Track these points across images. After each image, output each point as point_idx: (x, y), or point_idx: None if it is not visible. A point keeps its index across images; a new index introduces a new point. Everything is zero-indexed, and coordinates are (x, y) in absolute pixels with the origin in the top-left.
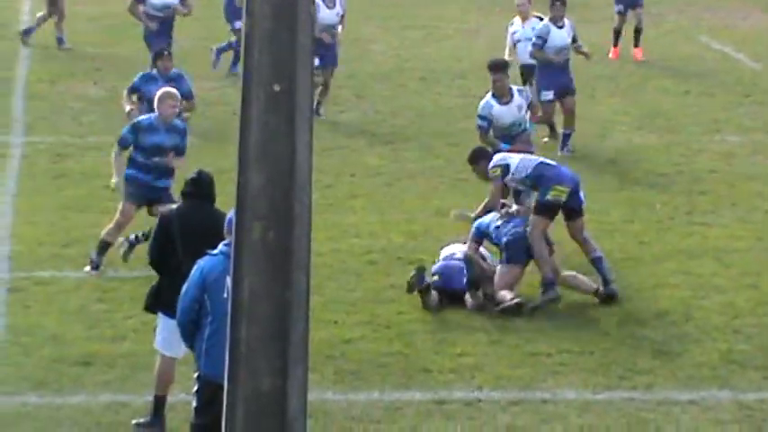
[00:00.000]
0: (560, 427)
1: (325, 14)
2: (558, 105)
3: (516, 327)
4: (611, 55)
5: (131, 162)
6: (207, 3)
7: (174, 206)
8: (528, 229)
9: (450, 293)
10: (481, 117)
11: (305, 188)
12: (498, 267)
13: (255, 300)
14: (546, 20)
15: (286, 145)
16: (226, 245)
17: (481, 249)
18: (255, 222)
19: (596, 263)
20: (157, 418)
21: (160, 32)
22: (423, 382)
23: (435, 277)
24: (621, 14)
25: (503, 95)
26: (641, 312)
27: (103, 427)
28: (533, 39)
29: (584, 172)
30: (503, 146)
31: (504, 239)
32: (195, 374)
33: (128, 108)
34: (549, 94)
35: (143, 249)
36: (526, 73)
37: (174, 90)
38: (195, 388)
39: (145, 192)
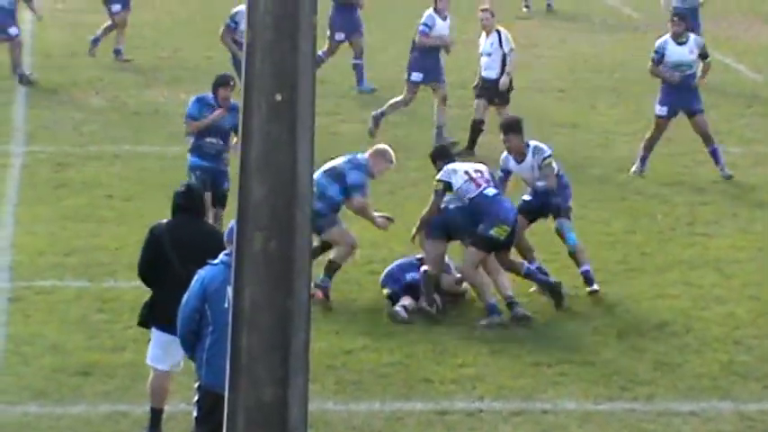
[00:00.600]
0: None
1: (441, 26)
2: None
3: (517, 337)
4: None
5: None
6: (208, 15)
7: (164, 221)
8: (464, 261)
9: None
10: (501, 170)
11: (306, 198)
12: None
13: (256, 309)
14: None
15: (287, 155)
16: (227, 254)
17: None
18: (257, 232)
19: (530, 274)
20: (155, 429)
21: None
22: (424, 392)
23: (385, 290)
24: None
25: (517, 155)
26: (642, 323)
27: None
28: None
29: (586, 182)
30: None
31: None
32: (196, 384)
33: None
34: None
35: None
36: (488, 87)
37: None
38: (196, 398)
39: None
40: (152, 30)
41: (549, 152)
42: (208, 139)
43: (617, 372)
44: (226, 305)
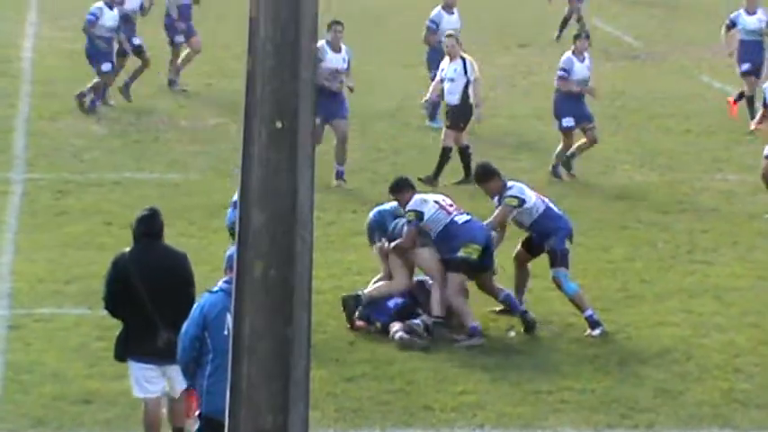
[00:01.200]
0: None
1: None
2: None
3: (517, 364)
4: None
5: None
6: (208, 43)
7: (127, 249)
8: (448, 287)
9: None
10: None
11: (306, 225)
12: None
13: (257, 337)
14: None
15: (288, 182)
16: (226, 282)
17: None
18: (257, 260)
19: (507, 300)
20: None
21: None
22: (424, 419)
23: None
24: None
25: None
26: (642, 350)
27: None
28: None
29: (587, 210)
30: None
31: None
32: (197, 413)
33: None
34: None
35: None
36: (450, 112)
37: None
38: (197, 426)
39: None
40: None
41: (511, 192)
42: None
43: (617, 399)
44: (226, 332)
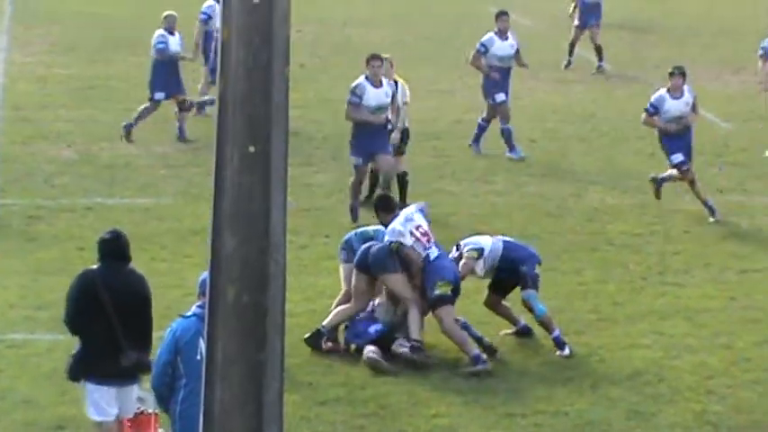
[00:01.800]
0: None
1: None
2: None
3: (491, 388)
4: None
5: None
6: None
7: (94, 267)
8: (440, 325)
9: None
10: None
11: (279, 249)
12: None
13: (230, 361)
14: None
15: (260, 206)
16: (199, 306)
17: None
18: (229, 284)
19: (464, 329)
20: None
21: (498, 83)
22: None
23: (352, 345)
24: None
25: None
26: (615, 373)
27: None
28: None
29: (558, 232)
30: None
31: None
32: None
33: None
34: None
35: None
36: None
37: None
38: None
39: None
40: (122, 82)
41: (471, 246)
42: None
43: (590, 422)
44: (199, 357)
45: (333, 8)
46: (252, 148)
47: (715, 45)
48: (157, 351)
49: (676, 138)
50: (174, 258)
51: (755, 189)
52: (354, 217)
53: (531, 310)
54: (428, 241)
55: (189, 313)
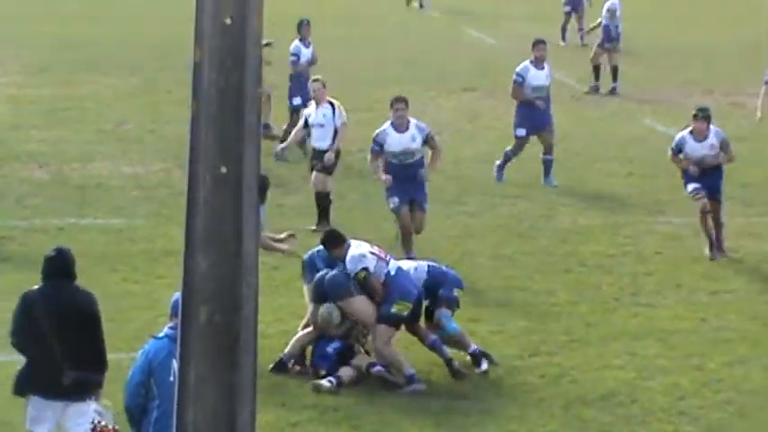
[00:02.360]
0: None
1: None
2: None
3: (463, 408)
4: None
5: None
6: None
7: (36, 287)
8: (374, 341)
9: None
10: None
11: (252, 270)
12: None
13: (202, 383)
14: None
15: (232, 227)
16: (171, 328)
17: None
18: (202, 305)
19: (433, 345)
20: None
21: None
22: None
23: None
24: None
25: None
26: (587, 394)
27: None
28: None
29: (530, 253)
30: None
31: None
32: None
33: None
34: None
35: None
36: (317, 157)
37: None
38: None
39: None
40: (95, 103)
41: (359, 267)
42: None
43: None
44: (171, 378)
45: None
46: (224, 169)
47: (687, 66)
48: (130, 372)
49: (698, 176)
50: (146, 279)
51: (728, 209)
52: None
53: (442, 328)
54: (385, 255)
55: (161, 334)
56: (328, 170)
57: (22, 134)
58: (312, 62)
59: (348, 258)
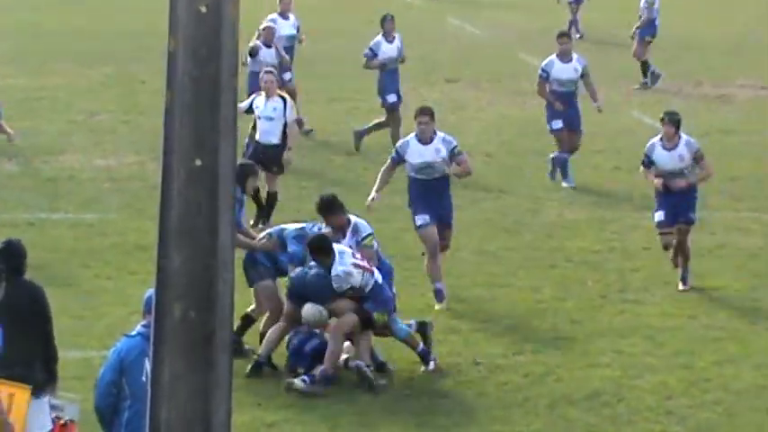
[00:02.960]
0: None
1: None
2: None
3: (445, 408)
4: None
5: None
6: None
7: None
8: (337, 324)
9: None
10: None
11: (227, 266)
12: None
13: (176, 382)
14: None
15: (208, 221)
16: (144, 326)
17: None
18: (176, 302)
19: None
20: None
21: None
22: None
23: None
24: None
25: (338, 232)
26: (573, 393)
27: None
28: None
29: (515, 248)
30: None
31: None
32: None
33: None
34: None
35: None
36: (266, 153)
37: None
38: None
39: None
40: (66, 93)
41: (369, 230)
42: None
43: None
44: (144, 378)
45: None
46: (199, 162)
47: (677, 59)
48: (100, 371)
49: (667, 195)
50: (118, 275)
51: (716, 204)
52: (439, 299)
53: (392, 332)
54: (370, 265)
55: (134, 332)
56: (281, 170)
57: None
58: (398, 58)
59: (333, 275)
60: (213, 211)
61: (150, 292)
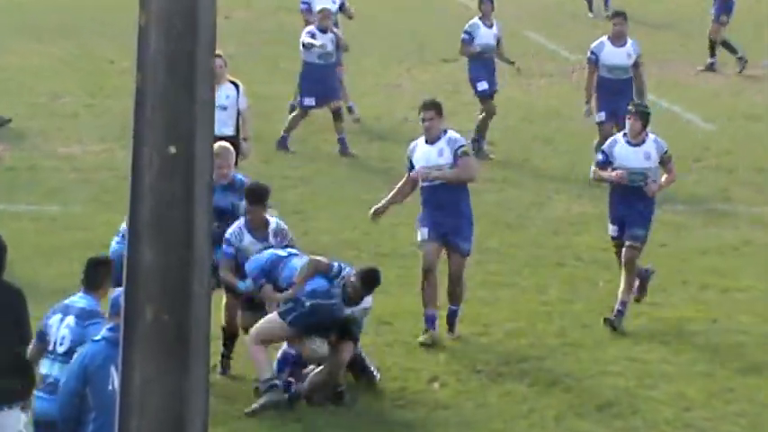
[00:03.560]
0: None
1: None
2: None
3: (442, 420)
4: None
5: None
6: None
7: None
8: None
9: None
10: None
11: (204, 263)
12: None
13: (148, 390)
14: None
15: (182, 215)
16: (110, 329)
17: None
18: (148, 303)
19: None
20: None
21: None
22: None
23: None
24: None
25: (259, 228)
26: (582, 404)
27: None
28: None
29: (519, 245)
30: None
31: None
32: None
33: None
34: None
35: None
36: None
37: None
38: None
39: None
40: (25, 74)
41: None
42: None
43: None
44: (110, 387)
45: None
46: (173, 149)
47: (695, 36)
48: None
49: (622, 200)
50: None
51: (740, 197)
52: (430, 325)
53: None
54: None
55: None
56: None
57: None
58: (495, 46)
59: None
60: (188, 203)
61: (117, 292)
